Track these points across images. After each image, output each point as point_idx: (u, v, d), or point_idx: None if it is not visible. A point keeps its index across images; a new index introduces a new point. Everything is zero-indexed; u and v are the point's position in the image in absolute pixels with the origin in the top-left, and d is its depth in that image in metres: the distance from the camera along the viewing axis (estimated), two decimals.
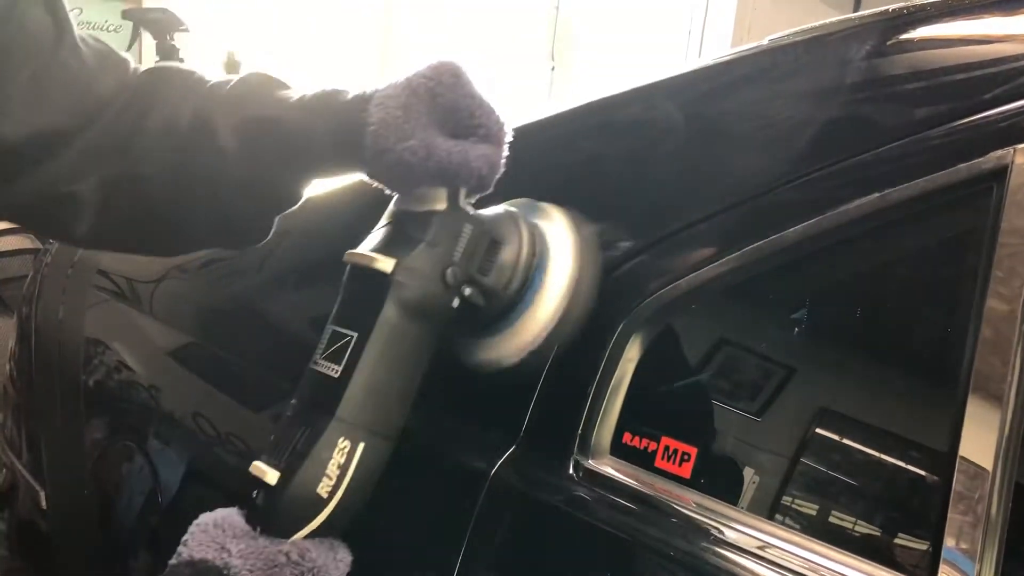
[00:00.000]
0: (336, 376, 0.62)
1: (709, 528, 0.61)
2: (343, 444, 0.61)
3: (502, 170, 0.66)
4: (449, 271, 0.63)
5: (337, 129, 0.65)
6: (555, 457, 0.68)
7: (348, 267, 0.67)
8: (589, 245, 0.68)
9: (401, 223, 0.67)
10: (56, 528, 1.10)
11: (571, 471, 0.67)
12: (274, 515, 0.61)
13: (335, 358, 0.63)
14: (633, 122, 0.79)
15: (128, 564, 1.02)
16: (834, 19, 0.73)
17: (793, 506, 0.61)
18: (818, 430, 0.62)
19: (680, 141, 0.74)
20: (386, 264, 0.63)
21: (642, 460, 0.65)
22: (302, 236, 1.00)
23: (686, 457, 0.63)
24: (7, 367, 1.28)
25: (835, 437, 0.62)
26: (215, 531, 0.61)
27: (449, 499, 0.72)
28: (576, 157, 0.80)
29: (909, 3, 0.71)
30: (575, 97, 0.82)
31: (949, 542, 0.53)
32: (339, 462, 0.61)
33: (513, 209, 0.70)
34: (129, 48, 1.42)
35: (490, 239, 0.66)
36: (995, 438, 0.53)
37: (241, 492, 0.64)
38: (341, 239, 0.94)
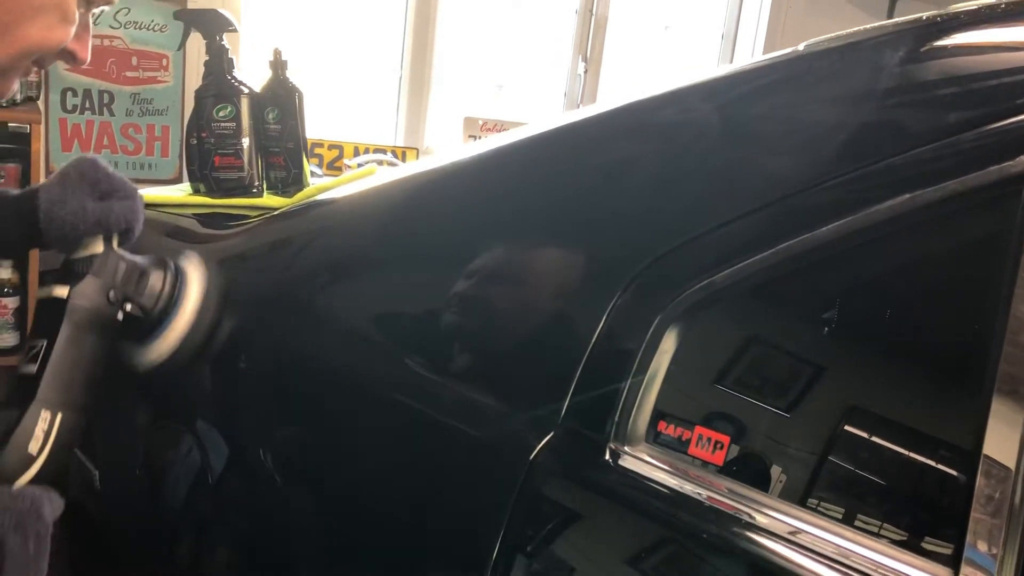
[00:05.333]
0: (34, 372, 0.85)
1: (741, 514, 0.63)
2: (45, 415, 0.83)
3: (142, 217, 0.93)
4: (111, 292, 0.89)
5: (17, 210, 0.89)
6: (592, 444, 0.70)
7: (37, 301, 0.91)
8: (214, 280, 0.98)
9: (71, 266, 0.90)
10: (108, 509, 1.14)
11: (608, 458, 0.69)
12: None
13: (33, 361, 0.86)
14: (669, 123, 0.81)
15: (175, 545, 1.05)
16: (869, 26, 0.75)
17: (821, 495, 0.63)
18: (846, 426, 0.64)
19: (716, 142, 0.76)
20: (62, 291, 0.87)
21: (677, 447, 0.68)
22: (337, 233, 1.03)
23: (719, 445, 0.66)
24: None
25: (863, 433, 0.64)
26: None
27: (488, 485, 0.75)
28: (613, 157, 0.82)
29: (942, 10, 0.73)
30: (613, 99, 0.85)
31: (971, 540, 0.55)
32: (43, 428, 0.83)
33: (163, 255, 0.97)
34: (180, 48, 1.47)
35: (140, 271, 0.92)
36: (1019, 438, 0.54)
37: None
38: (373, 238, 0.97)
